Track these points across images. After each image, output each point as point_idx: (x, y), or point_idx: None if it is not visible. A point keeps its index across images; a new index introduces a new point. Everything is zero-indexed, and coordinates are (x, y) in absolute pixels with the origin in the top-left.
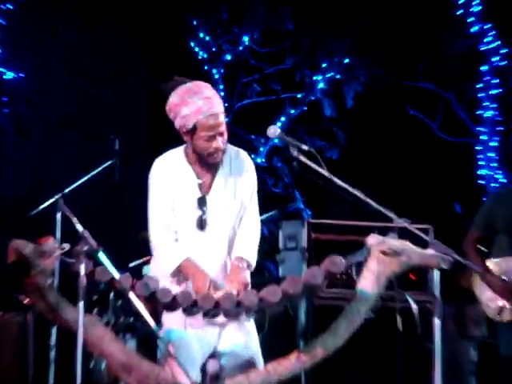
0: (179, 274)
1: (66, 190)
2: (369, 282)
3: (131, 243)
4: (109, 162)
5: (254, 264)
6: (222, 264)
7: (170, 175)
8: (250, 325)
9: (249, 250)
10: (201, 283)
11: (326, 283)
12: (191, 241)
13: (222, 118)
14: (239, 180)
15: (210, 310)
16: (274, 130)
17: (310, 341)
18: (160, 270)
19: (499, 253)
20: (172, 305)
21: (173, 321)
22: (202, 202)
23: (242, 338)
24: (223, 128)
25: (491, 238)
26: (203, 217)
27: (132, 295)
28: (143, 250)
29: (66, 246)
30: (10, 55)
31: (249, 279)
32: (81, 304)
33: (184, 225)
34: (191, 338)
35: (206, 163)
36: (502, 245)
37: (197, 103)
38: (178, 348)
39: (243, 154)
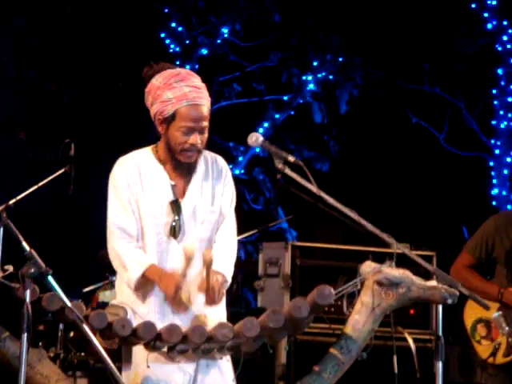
0: (145, 285)
1: (11, 202)
2: (362, 317)
3: (86, 265)
4: (62, 170)
5: (229, 281)
6: (195, 277)
7: (134, 175)
8: (224, 364)
9: (225, 264)
10: (169, 282)
11: (312, 317)
12: (161, 249)
13: (207, 113)
14: (217, 187)
15: (176, 345)
16: (256, 138)
17: None
18: (123, 287)
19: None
20: (132, 339)
21: (136, 357)
22: (175, 206)
23: (215, 378)
24: (205, 124)
25: (488, 268)
26: (177, 223)
27: (85, 327)
28: (100, 272)
29: (9, 268)
30: None
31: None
32: (25, 336)
33: (153, 231)
34: (158, 377)
35: (179, 163)
36: (500, 278)
37: (183, 89)
38: None
39: (221, 160)
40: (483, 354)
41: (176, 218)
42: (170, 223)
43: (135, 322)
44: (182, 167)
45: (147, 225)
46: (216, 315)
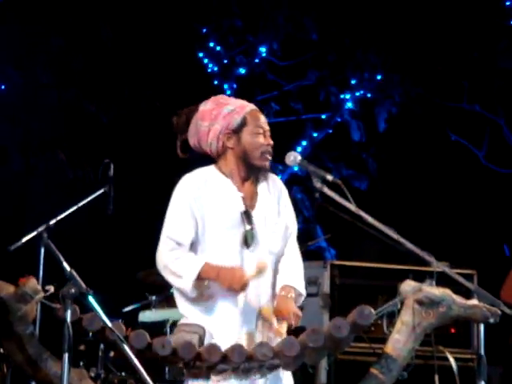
0: (201, 287)
1: (51, 222)
2: (402, 336)
3: (126, 285)
4: (101, 191)
5: (304, 293)
6: (268, 288)
7: (201, 189)
8: (287, 378)
9: (298, 278)
10: (232, 277)
11: (352, 337)
12: (234, 260)
13: (266, 120)
14: (280, 201)
15: (217, 365)
16: (294, 157)
17: None
18: (185, 305)
19: None
20: (172, 358)
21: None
22: (247, 217)
23: None
24: (268, 127)
25: None
26: (249, 232)
27: (125, 347)
28: (140, 292)
29: (50, 289)
30: None
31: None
32: (66, 356)
33: (225, 242)
34: None
35: (250, 172)
36: None
37: (238, 102)
38: None
39: (278, 179)
40: None
41: (248, 227)
42: (242, 233)
43: (212, 339)
44: (249, 180)
45: (219, 236)
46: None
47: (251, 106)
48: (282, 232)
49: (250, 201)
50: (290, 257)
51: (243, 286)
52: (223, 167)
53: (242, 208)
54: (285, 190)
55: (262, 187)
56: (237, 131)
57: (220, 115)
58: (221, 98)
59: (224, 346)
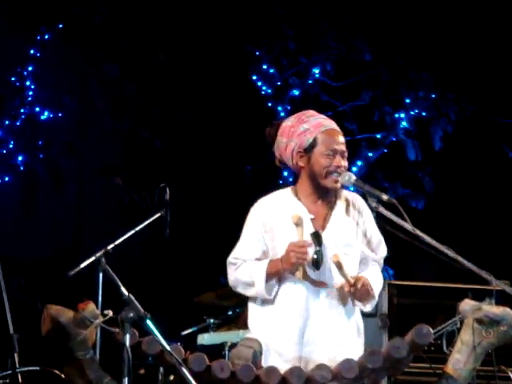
0: (274, 286)
1: (109, 247)
2: (462, 356)
3: (184, 308)
4: (158, 215)
5: (376, 298)
6: (338, 313)
7: (271, 213)
8: None
9: (376, 284)
10: (290, 254)
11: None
12: (303, 281)
13: (343, 140)
14: (358, 225)
15: None
16: (349, 177)
17: None
18: (255, 319)
19: None
20: (231, 381)
21: None
22: (316, 238)
23: None
24: (345, 148)
25: None
26: (319, 253)
27: (184, 370)
28: (198, 315)
29: (109, 313)
30: (45, 92)
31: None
32: (126, 380)
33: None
34: None
35: (320, 195)
36: None
37: (317, 120)
38: None
39: (360, 199)
40: None
41: (317, 248)
42: (311, 254)
43: (269, 356)
44: (322, 198)
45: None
46: (351, 347)
47: (328, 126)
48: (357, 255)
49: (322, 222)
50: (369, 271)
51: (304, 254)
52: (298, 188)
53: (312, 229)
54: (367, 213)
55: (338, 209)
56: (308, 151)
57: (295, 133)
58: (305, 114)
59: (284, 361)
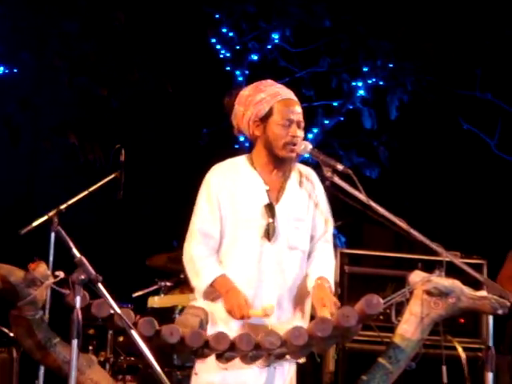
0: (212, 293)
1: (62, 207)
2: (410, 327)
3: (136, 270)
4: (112, 176)
5: (333, 292)
6: (289, 282)
7: (228, 180)
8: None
9: (330, 275)
10: (233, 303)
11: (361, 326)
12: (254, 251)
13: (300, 110)
14: (310, 199)
15: (225, 352)
16: (305, 146)
17: None
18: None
19: None
20: (180, 346)
21: (207, 366)
22: (270, 210)
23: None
24: (301, 118)
25: None
26: (271, 225)
27: (134, 333)
28: (149, 278)
29: (60, 274)
30: (1, 47)
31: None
32: (75, 342)
33: (247, 233)
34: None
35: (276, 165)
36: None
37: (273, 89)
38: None
39: (314, 174)
40: None
41: (270, 220)
42: (264, 226)
43: (215, 325)
44: (277, 172)
45: (241, 227)
46: (300, 317)
47: (285, 96)
48: (306, 228)
49: (276, 194)
50: (322, 255)
51: (241, 318)
52: (254, 157)
53: (266, 201)
54: (319, 188)
55: (292, 181)
56: (264, 120)
57: (252, 102)
58: (262, 83)
59: (229, 330)
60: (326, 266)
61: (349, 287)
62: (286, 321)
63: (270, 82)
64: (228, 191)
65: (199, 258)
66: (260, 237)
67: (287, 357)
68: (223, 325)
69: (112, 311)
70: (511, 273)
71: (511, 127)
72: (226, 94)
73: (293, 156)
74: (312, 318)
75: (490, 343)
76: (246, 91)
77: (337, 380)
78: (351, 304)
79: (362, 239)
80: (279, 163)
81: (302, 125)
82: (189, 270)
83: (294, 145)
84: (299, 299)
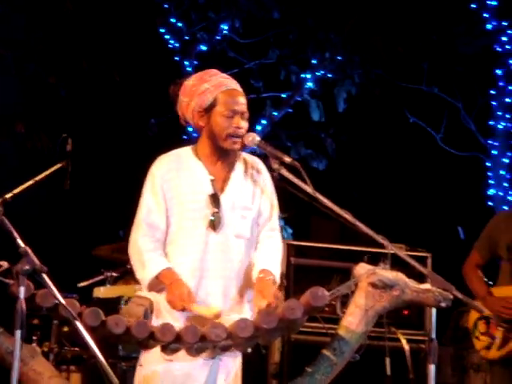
0: (157, 286)
1: (7, 196)
2: (355, 319)
3: (82, 261)
4: (59, 165)
5: (278, 282)
6: (235, 271)
7: (172, 171)
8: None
9: (275, 265)
10: (175, 294)
11: (306, 318)
12: (200, 241)
13: (244, 101)
14: (256, 187)
15: (170, 344)
16: (253, 138)
17: None
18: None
19: (502, 282)
20: (125, 337)
21: (152, 357)
22: (214, 200)
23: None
24: (246, 109)
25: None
26: (216, 216)
27: (78, 324)
28: (95, 268)
29: (4, 264)
30: None
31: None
32: (18, 333)
33: (192, 224)
34: (174, 373)
35: (220, 156)
36: (504, 275)
37: (218, 79)
38: None
39: (260, 163)
40: (479, 349)
41: (215, 210)
42: (209, 216)
43: (160, 314)
44: (222, 160)
45: (186, 218)
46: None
47: (229, 86)
48: (252, 217)
49: (221, 184)
50: (268, 244)
51: (182, 309)
52: (199, 148)
53: (211, 191)
54: (266, 176)
55: (237, 171)
56: (208, 111)
57: (196, 92)
58: (207, 73)
59: (175, 321)
60: (270, 257)
61: (295, 279)
62: (231, 310)
63: (214, 71)
64: (172, 182)
65: (145, 249)
66: (205, 227)
67: (232, 349)
68: (169, 315)
69: (57, 301)
70: (474, 261)
71: (457, 121)
72: (172, 83)
73: (236, 148)
74: None
75: (433, 335)
76: (190, 81)
77: (282, 371)
78: (297, 296)
79: (309, 231)
80: (223, 154)
81: (247, 115)
82: (134, 261)
83: (238, 136)
84: (246, 288)
